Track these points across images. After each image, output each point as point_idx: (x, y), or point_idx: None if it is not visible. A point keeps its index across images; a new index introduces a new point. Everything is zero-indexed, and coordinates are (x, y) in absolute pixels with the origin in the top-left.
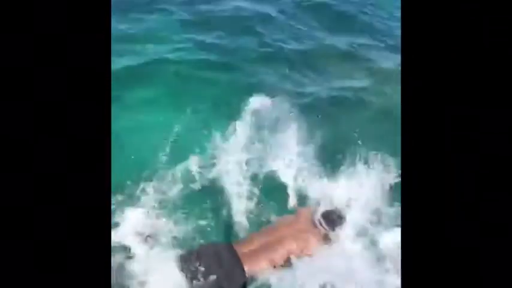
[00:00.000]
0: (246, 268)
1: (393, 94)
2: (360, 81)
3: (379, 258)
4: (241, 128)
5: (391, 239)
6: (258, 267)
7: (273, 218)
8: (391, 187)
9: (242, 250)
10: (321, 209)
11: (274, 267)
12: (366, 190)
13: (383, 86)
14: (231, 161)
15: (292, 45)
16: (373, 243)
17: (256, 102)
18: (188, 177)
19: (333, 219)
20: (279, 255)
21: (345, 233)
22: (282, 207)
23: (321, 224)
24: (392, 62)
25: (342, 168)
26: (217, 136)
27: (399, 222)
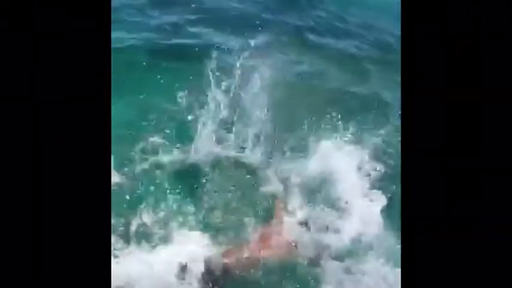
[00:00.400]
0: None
1: (344, 78)
2: (312, 66)
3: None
4: (207, 111)
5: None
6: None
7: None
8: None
9: (230, 260)
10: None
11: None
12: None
13: (335, 70)
14: (201, 142)
15: (247, 32)
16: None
17: (218, 87)
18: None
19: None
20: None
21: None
22: (254, 190)
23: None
24: (343, 46)
25: (306, 148)
26: (184, 120)
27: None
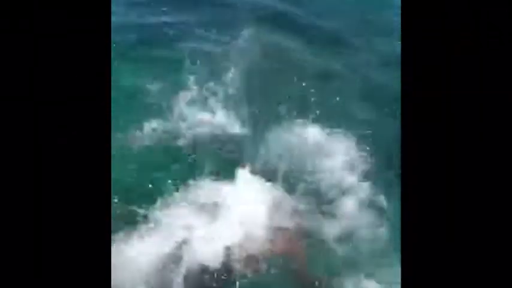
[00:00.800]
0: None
1: (322, 56)
2: (291, 45)
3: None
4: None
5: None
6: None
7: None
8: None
9: None
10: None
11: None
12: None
13: (317, 48)
14: (184, 121)
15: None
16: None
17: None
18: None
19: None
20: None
21: None
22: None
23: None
24: (320, 25)
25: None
26: (167, 103)
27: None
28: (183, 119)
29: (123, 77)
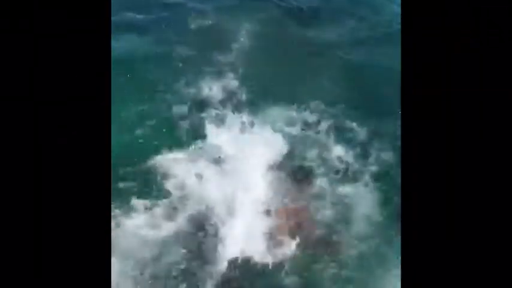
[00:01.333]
0: None
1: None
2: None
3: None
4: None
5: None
6: None
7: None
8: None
9: None
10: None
11: None
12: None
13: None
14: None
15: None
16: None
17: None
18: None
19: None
20: None
21: None
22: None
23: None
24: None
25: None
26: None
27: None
28: (182, 93)
29: (122, 52)
